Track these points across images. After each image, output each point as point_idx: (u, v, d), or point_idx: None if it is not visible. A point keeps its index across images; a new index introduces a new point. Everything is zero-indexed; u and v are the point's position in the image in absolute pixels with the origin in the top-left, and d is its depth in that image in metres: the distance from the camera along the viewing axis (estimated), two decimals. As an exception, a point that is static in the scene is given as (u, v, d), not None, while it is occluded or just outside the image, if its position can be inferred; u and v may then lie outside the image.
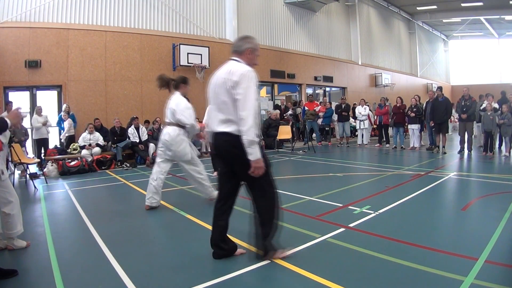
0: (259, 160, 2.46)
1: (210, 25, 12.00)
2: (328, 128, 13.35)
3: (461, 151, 9.05)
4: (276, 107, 13.41)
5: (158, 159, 4.54)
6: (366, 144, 11.85)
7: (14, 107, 7.62)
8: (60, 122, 8.84)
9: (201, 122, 5.30)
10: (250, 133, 2.41)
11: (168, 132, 4.30)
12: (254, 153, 2.43)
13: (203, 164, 4.90)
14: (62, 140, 8.76)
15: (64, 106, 8.85)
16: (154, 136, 9.21)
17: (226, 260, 2.79)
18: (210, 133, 2.73)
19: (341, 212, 4.07)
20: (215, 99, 2.64)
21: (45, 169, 7.26)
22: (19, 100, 8.56)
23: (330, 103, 13.60)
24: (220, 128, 2.57)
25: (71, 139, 8.71)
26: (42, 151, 8.34)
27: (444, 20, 23.89)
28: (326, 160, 8.69)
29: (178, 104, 4.24)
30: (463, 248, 2.90)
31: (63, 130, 8.80)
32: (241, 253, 2.87)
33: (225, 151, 2.62)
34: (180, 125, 4.28)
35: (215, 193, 4.52)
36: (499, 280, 2.33)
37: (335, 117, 12.54)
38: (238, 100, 2.44)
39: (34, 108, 8.39)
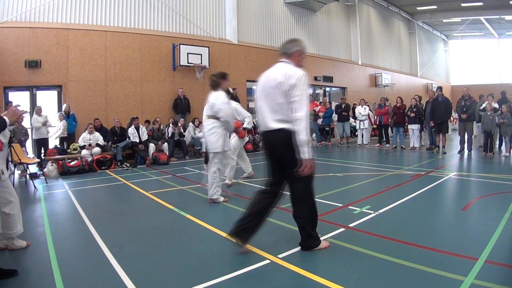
0: (311, 160, 2.62)
1: (210, 25, 11.99)
2: (328, 128, 13.34)
3: (461, 151, 9.05)
4: None
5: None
6: (366, 144, 11.85)
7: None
8: (61, 122, 8.83)
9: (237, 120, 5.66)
10: (304, 133, 2.58)
11: (205, 125, 4.67)
12: (306, 152, 2.60)
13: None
14: (52, 136, 8.68)
15: (64, 106, 8.83)
16: (154, 136, 9.22)
17: (225, 260, 2.80)
18: (262, 131, 2.88)
19: (341, 212, 4.07)
20: (267, 99, 2.78)
21: (45, 169, 7.26)
22: (19, 100, 8.55)
23: (330, 103, 13.59)
24: (275, 126, 2.71)
25: (63, 140, 8.72)
26: (42, 151, 8.34)
27: (444, 20, 23.87)
28: (326, 160, 8.68)
29: (217, 98, 4.53)
30: (463, 248, 2.90)
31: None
32: (245, 252, 2.88)
33: (278, 146, 2.74)
34: (217, 118, 4.56)
35: (221, 198, 4.58)
36: (499, 280, 2.33)
37: (335, 117, 12.53)
38: (295, 102, 2.60)
39: (34, 108, 8.38)
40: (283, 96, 2.65)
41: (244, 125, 5.41)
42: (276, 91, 2.68)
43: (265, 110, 2.79)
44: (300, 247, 2.93)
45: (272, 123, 2.73)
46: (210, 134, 4.54)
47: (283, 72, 2.70)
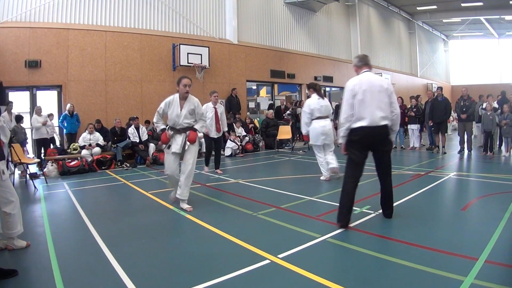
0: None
1: (210, 25, 11.99)
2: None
3: (461, 151, 9.05)
4: (270, 106, 13.37)
5: (318, 147, 6.06)
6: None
7: (13, 107, 7.62)
8: (63, 121, 8.81)
9: None
10: (399, 123, 3.74)
11: (328, 123, 5.89)
12: (393, 136, 3.79)
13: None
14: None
15: (68, 106, 8.77)
16: (154, 136, 9.21)
17: (225, 260, 2.80)
18: (368, 126, 3.50)
19: (341, 212, 4.06)
20: (373, 100, 3.51)
21: (45, 169, 7.26)
22: (19, 100, 8.56)
23: (330, 103, 13.58)
24: (382, 122, 3.51)
25: (50, 140, 8.71)
26: (42, 151, 8.34)
27: (444, 20, 23.87)
28: (326, 160, 8.66)
29: (327, 102, 6.02)
30: (463, 248, 2.90)
31: (65, 130, 8.81)
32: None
33: (382, 138, 3.58)
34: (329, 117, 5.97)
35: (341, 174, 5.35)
36: (499, 280, 2.33)
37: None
38: (394, 102, 3.61)
39: (34, 108, 8.38)
40: (388, 98, 3.54)
41: (196, 126, 4.68)
42: (384, 94, 3.53)
43: (375, 109, 3.49)
44: (385, 216, 3.74)
45: (379, 119, 3.49)
46: (332, 130, 5.93)
47: (382, 79, 3.78)
